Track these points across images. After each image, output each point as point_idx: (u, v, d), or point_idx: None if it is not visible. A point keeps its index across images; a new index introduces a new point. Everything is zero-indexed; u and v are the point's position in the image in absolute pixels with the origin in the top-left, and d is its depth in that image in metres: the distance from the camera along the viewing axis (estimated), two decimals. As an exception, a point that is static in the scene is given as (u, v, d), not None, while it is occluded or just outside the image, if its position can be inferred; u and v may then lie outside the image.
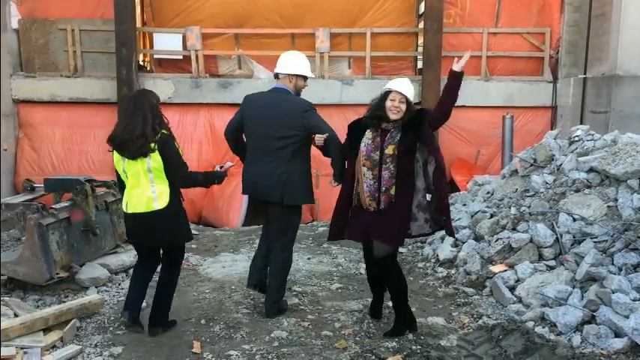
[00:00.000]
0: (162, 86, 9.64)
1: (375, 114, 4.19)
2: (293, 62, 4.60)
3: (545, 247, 5.16)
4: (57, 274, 4.97)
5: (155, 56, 10.74)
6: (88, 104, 10.04)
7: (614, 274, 4.44)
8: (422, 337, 4.29)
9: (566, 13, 9.81)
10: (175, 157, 4.07)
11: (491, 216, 6.08)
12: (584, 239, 4.97)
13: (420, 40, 10.35)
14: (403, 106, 4.11)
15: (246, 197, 9.15)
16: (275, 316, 4.66)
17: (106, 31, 9.90)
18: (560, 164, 6.05)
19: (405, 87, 4.14)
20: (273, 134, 4.48)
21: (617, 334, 4.06)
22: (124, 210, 4.19)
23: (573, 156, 5.98)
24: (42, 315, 4.26)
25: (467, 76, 9.91)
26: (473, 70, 10.16)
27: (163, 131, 4.05)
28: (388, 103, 4.12)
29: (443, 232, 6.36)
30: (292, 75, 4.59)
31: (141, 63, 10.70)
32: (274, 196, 4.53)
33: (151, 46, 10.80)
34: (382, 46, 10.25)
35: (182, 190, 4.24)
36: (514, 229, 5.60)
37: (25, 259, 4.86)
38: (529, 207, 5.75)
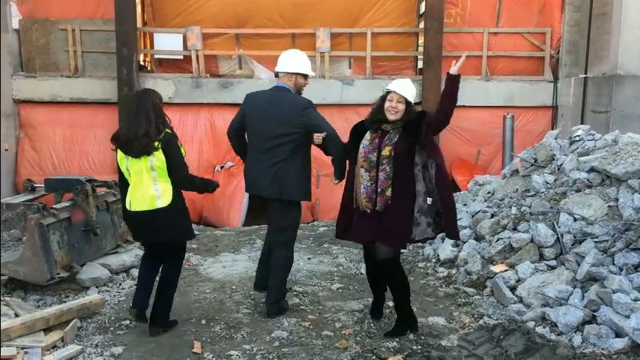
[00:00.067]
0: (162, 86, 9.64)
1: (377, 117, 4.20)
2: (293, 61, 4.62)
3: (546, 247, 5.16)
4: (58, 274, 4.97)
5: (156, 56, 10.74)
6: (89, 104, 10.04)
7: (615, 274, 4.44)
8: (423, 337, 4.29)
9: (567, 13, 9.80)
10: (177, 157, 4.11)
11: (492, 216, 6.08)
12: (585, 239, 4.97)
13: (421, 40, 10.34)
14: (401, 106, 4.11)
15: (246, 197, 9.17)
16: (276, 316, 4.67)
17: (107, 31, 9.89)
18: (561, 164, 6.04)
19: (403, 87, 4.13)
20: (273, 132, 4.50)
21: (618, 334, 4.06)
22: (127, 208, 4.21)
23: (574, 156, 5.97)
24: (43, 315, 4.26)
25: (467, 75, 10.05)
26: (473, 70, 10.15)
27: (167, 130, 4.10)
28: (386, 104, 4.13)
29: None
30: (292, 73, 4.60)
31: (141, 63, 10.69)
32: (271, 192, 4.56)
33: (152, 46, 10.79)
34: (383, 46, 10.24)
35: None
36: (515, 229, 5.60)
37: (25, 259, 4.86)
38: (530, 207, 5.75)
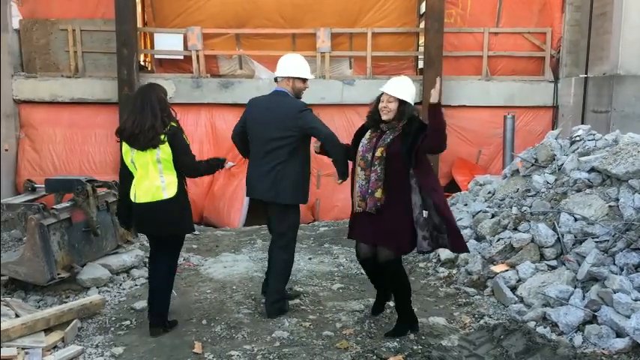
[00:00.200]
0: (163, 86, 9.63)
1: (373, 117, 4.22)
2: (290, 65, 4.65)
3: (547, 247, 5.16)
4: (58, 274, 4.97)
5: (156, 56, 10.75)
6: (89, 104, 10.04)
7: (616, 274, 4.44)
8: (423, 337, 4.29)
9: (567, 13, 9.80)
10: (184, 148, 4.20)
11: (493, 216, 6.08)
12: (586, 239, 4.96)
13: (421, 40, 10.34)
14: (392, 105, 4.10)
15: (247, 197, 9.16)
16: (276, 317, 4.67)
17: (107, 32, 9.90)
18: (562, 164, 6.04)
19: (394, 87, 4.11)
20: (271, 135, 4.55)
21: (619, 334, 4.06)
22: (132, 200, 4.24)
23: (574, 156, 5.97)
24: (43, 315, 4.26)
25: (468, 75, 10.05)
26: (474, 70, 10.16)
27: (172, 124, 4.17)
28: (380, 105, 4.15)
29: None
30: (290, 77, 4.64)
31: (142, 63, 10.70)
32: (268, 195, 4.60)
33: (152, 47, 10.80)
34: (383, 46, 10.24)
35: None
36: (515, 229, 5.59)
37: (26, 259, 4.86)
38: (530, 207, 5.75)
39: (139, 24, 10.33)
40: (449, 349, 4.12)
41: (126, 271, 5.72)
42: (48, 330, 4.23)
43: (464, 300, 5.09)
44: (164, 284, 4.43)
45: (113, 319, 4.67)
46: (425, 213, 4.05)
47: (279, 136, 4.51)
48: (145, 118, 4.06)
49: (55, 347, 4.11)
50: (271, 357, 4.02)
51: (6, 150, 9.67)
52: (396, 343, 4.17)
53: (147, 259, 5.97)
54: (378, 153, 4.08)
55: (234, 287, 5.49)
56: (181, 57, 10.34)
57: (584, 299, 4.43)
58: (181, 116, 9.97)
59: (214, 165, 4.59)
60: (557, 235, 5.18)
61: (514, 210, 5.85)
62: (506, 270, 5.21)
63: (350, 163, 4.45)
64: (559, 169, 6.05)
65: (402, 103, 4.10)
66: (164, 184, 4.16)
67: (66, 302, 4.86)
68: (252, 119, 4.70)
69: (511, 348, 4.00)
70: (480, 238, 5.93)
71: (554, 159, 6.27)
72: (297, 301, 5.05)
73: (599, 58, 8.86)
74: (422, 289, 5.45)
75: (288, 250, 4.75)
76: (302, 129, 4.49)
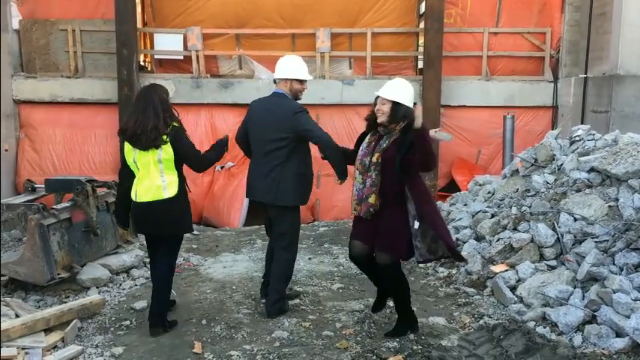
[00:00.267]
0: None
1: (370, 120, 4.23)
2: (287, 67, 4.68)
3: (546, 247, 5.16)
4: (58, 274, 4.97)
5: (156, 56, 10.74)
6: (89, 105, 10.04)
7: (615, 274, 4.44)
8: (423, 337, 4.29)
9: (567, 13, 9.80)
10: (189, 146, 4.28)
11: (492, 216, 6.08)
12: (585, 239, 4.97)
13: (421, 40, 10.34)
14: (385, 107, 4.08)
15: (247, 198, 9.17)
16: (276, 317, 4.67)
17: (107, 32, 9.90)
18: (561, 164, 6.05)
19: (387, 88, 4.09)
20: (269, 137, 4.58)
21: (619, 334, 4.06)
22: (133, 199, 4.28)
23: (574, 156, 5.97)
24: (43, 315, 4.27)
25: (467, 75, 10.05)
26: (474, 70, 10.16)
27: (174, 124, 4.21)
28: (375, 108, 4.16)
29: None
30: (287, 79, 4.66)
31: (141, 63, 10.69)
32: (267, 197, 4.63)
33: (152, 47, 10.79)
34: (383, 46, 10.24)
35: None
36: (515, 229, 5.60)
37: (26, 259, 4.87)
38: (530, 207, 5.75)
39: (139, 24, 10.33)
40: (448, 349, 4.12)
41: (126, 271, 5.72)
42: (48, 330, 4.23)
43: (463, 300, 5.09)
44: (164, 284, 4.44)
45: (113, 319, 4.67)
46: (416, 224, 4.03)
47: (276, 137, 4.53)
48: (148, 119, 4.09)
49: (55, 347, 4.12)
50: (271, 357, 4.02)
51: (6, 150, 9.67)
52: (395, 343, 4.18)
53: (147, 259, 5.99)
54: (374, 158, 4.08)
55: (234, 287, 5.49)
56: (181, 57, 10.33)
57: (583, 299, 4.44)
58: (181, 116, 9.84)
59: (219, 149, 4.59)
60: (557, 235, 5.19)
61: (514, 210, 5.85)
62: (506, 270, 5.21)
63: (351, 167, 4.45)
64: (559, 169, 6.05)
65: (395, 104, 4.07)
66: (165, 183, 4.19)
67: (66, 302, 4.86)
68: (251, 121, 4.75)
69: (511, 348, 4.00)
70: (479, 238, 5.94)
71: (553, 159, 6.27)
72: (296, 301, 5.06)
73: (599, 58, 8.86)
74: (422, 289, 5.45)
75: (290, 251, 4.75)
76: (296, 131, 4.51)
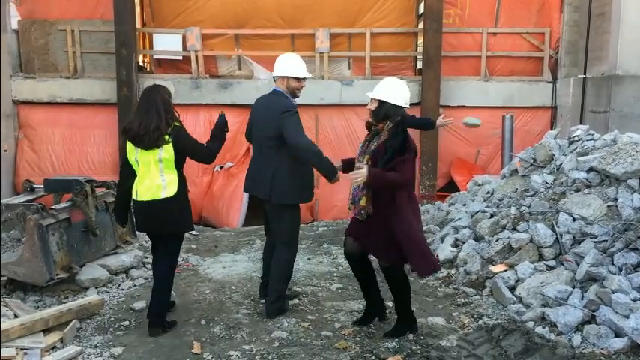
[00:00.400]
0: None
1: (367, 120, 4.25)
2: (284, 64, 4.70)
3: (545, 247, 5.16)
4: (57, 274, 4.97)
5: (155, 57, 10.74)
6: (88, 105, 10.04)
7: (614, 274, 4.44)
8: (422, 337, 4.29)
9: (566, 13, 9.81)
10: (191, 142, 4.37)
11: (491, 216, 6.08)
12: (584, 239, 4.97)
13: (420, 41, 10.35)
14: (372, 106, 4.10)
15: (245, 197, 9.18)
16: (275, 317, 4.67)
17: (106, 32, 9.90)
18: (560, 164, 6.05)
19: (375, 88, 4.08)
20: (265, 134, 4.64)
21: (618, 333, 4.07)
22: (134, 198, 4.35)
23: (573, 156, 5.98)
24: (42, 316, 4.26)
25: (467, 76, 10.05)
26: (473, 71, 10.17)
27: (175, 123, 4.28)
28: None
29: (444, 232, 6.44)
30: (284, 77, 4.69)
31: (141, 64, 10.69)
32: (264, 193, 4.66)
33: (151, 47, 10.79)
34: (382, 47, 10.25)
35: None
36: (514, 229, 5.60)
37: (25, 259, 4.86)
38: (529, 207, 5.75)
39: (138, 24, 10.33)
40: (448, 349, 4.12)
41: (125, 271, 5.72)
42: (47, 330, 4.23)
43: (463, 300, 5.10)
44: (164, 284, 4.45)
45: (112, 319, 4.67)
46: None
47: (271, 134, 4.57)
48: (151, 119, 4.16)
49: (54, 347, 4.11)
50: (270, 357, 4.02)
51: (5, 151, 9.67)
52: (394, 343, 4.18)
53: (146, 260, 5.99)
54: (364, 160, 4.09)
55: (233, 287, 5.49)
56: (180, 57, 10.34)
57: (582, 299, 4.44)
58: (180, 117, 9.99)
59: (219, 133, 4.59)
60: (556, 235, 5.19)
61: (513, 210, 5.85)
62: (505, 270, 5.21)
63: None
64: (557, 169, 6.05)
65: (380, 103, 4.06)
66: (164, 183, 4.24)
67: (65, 302, 4.85)
68: (253, 118, 4.84)
69: (510, 348, 4.00)
70: (478, 238, 5.94)
71: (552, 159, 6.27)
72: (295, 301, 5.06)
73: (598, 59, 8.87)
74: (421, 289, 5.45)
75: (289, 250, 4.75)
76: (281, 130, 4.53)
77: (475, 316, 4.74)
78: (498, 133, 9.72)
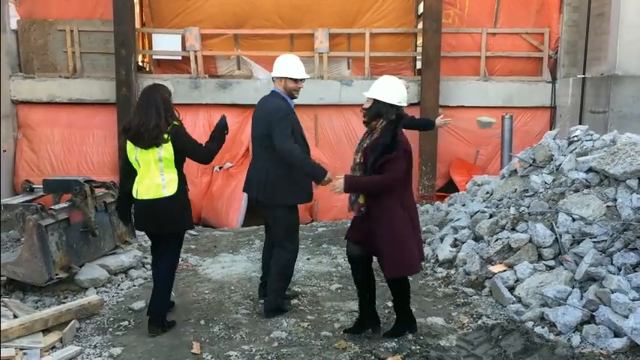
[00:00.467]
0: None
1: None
2: (281, 65, 4.73)
3: (545, 247, 5.16)
4: (56, 274, 4.97)
5: (154, 57, 10.73)
6: (87, 105, 10.03)
7: (614, 274, 4.44)
8: (421, 337, 4.29)
9: (565, 13, 9.81)
10: (190, 142, 4.38)
11: (491, 216, 6.08)
12: (584, 239, 4.97)
13: (419, 41, 10.35)
14: (366, 105, 4.10)
15: (245, 197, 9.17)
16: (273, 316, 4.68)
17: (105, 32, 9.88)
18: (560, 164, 6.05)
19: (371, 88, 4.07)
20: (259, 135, 4.69)
21: (617, 333, 4.07)
22: (134, 197, 4.36)
23: (572, 156, 5.98)
24: (41, 316, 4.26)
25: (466, 76, 10.06)
26: (472, 71, 10.17)
27: (174, 122, 4.30)
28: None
29: (443, 232, 6.44)
30: (281, 78, 4.70)
31: (140, 64, 10.69)
32: (258, 193, 4.71)
33: (150, 47, 10.79)
34: (381, 47, 10.25)
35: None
36: (513, 229, 5.60)
37: (24, 260, 4.86)
38: (528, 207, 5.75)
39: (137, 24, 10.32)
40: (447, 349, 4.13)
41: (124, 271, 5.72)
42: (46, 330, 4.23)
43: (462, 300, 5.10)
44: (164, 284, 4.47)
45: (111, 319, 4.67)
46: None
47: (263, 135, 4.61)
48: (150, 117, 4.19)
49: (53, 348, 4.11)
50: (269, 357, 4.02)
51: (4, 151, 9.65)
52: (394, 344, 4.18)
53: (145, 260, 5.99)
54: (357, 158, 4.10)
55: (233, 288, 5.49)
56: (179, 57, 10.33)
57: (582, 299, 4.44)
58: (180, 117, 10.00)
59: (219, 135, 4.59)
60: (555, 235, 5.19)
61: (512, 210, 5.85)
62: (504, 270, 5.21)
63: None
64: (557, 170, 6.06)
65: (374, 101, 4.05)
66: (164, 182, 4.26)
67: (64, 303, 4.85)
68: (252, 119, 4.89)
69: (509, 348, 4.00)
70: (478, 239, 5.94)
71: (552, 159, 6.28)
72: (295, 301, 5.06)
73: (597, 59, 8.87)
74: (420, 289, 5.45)
75: (286, 250, 4.74)
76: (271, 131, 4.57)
77: (474, 316, 4.74)
78: (498, 133, 9.72)
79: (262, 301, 4.88)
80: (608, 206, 5.17)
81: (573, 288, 4.60)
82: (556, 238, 5.18)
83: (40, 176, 8.65)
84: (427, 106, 9.53)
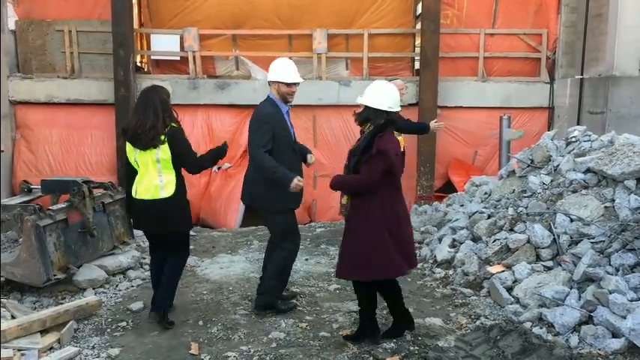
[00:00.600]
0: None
1: None
2: (274, 69, 4.75)
3: (543, 248, 5.17)
4: (54, 275, 4.96)
5: (152, 57, 10.71)
6: (85, 105, 10.01)
7: (612, 274, 4.45)
8: (420, 338, 4.29)
9: (563, 14, 9.82)
10: (185, 146, 4.36)
11: (489, 217, 6.09)
12: (582, 240, 4.98)
13: (418, 41, 10.35)
14: (358, 109, 4.11)
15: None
16: (261, 310, 4.75)
17: (104, 32, 9.86)
18: (558, 165, 6.06)
19: (364, 95, 4.06)
20: (248, 141, 4.76)
21: (615, 334, 4.07)
22: (133, 197, 4.40)
23: (570, 157, 5.99)
24: (39, 317, 4.26)
25: (464, 76, 10.07)
26: (470, 71, 10.17)
27: (173, 124, 4.31)
28: None
29: (442, 233, 6.45)
30: (274, 82, 4.72)
31: (138, 64, 10.68)
32: (245, 199, 4.84)
33: (149, 47, 10.77)
34: (379, 47, 10.25)
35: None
36: (511, 229, 5.60)
37: (22, 260, 4.85)
38: (526, 208, 5.76)
39: (136, 25, 10.31)
40: (445, 349, 4.13)
41: (122, 272, 5.71)
42: (44, 331, 4.23)
43: (460, 301, 5.10)
44: (173, 283, 4.58)
45: (109, 320, 4.67)
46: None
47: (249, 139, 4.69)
48: (147, 118, 4.20)
49: (51, 348, 4.11)
50: (268, 358, 4.02)
51: (3, 151, 9.64)
52: (392, 344, 4.18)
53: (143, 261, 5.99)
54: (346, 160, 4.13)
55: (231, 288, 5.49)
56: (178, 58, 10.31)
57: (580, 300, 4.44)
58: (178, 117, 9.99)
59: (215, 154, 4.64)
60: (553, 235, 5.20)
61: (510, 211, 5.86)
62: (503, 271, 5.21)
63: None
64: (555, 170, 6.07)
65: (366, 107, 4.04)
66: (162, 183, 4.29)
67: (62, 303, 4.85)
68: None
69: (507, 349, 4.01)
70: (476, 239, 5.94)
71: (550, 160, 6.28)
72: (293, 301, 5.05)
73: (595, 59, 8.88)
74: (418, 289, 5.45)
75: (283, 251, 4.77)
76: None
77: (473, 316, 4.74)
78: (496, 133, 9.72)
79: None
80: (606, 207, 5.18)
81: (571, 289, 4.60)
82: (554, 238, 5.18)
83: (38, 177, 8.63)
84: (425, 106, 9.53)
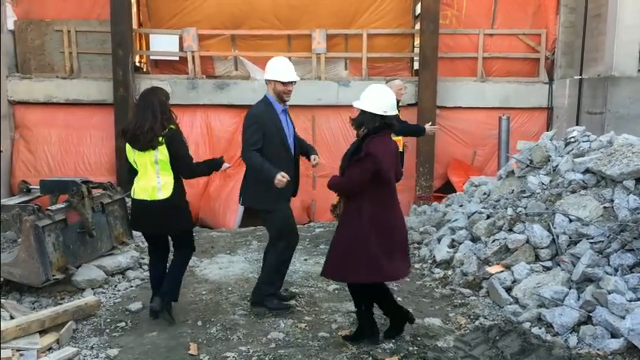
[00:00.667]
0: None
1: None
2: (270, 68, 4.75)
3: (542, 248, 5.17)
4: (53, 275, 4.96)
5: (151, 57, 10.72)
6: (84, 105, 10.02)
7: (610, 274, 4.45)
8: (419, 338, 4.29)
9: (562, 14, 9.83)
10: (182, 149, 4.37)
11: (488, 217, 6.09)
12: (581, 240, 4.98)
13: (417, 42, 10.36)
14: (354, 113, 4.13)
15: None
16: (254, 306, 4.80)
17: (102, 32, 9.87)
18: (556, 165, 6.06)
19: (360, 99, 4.05)
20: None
21: (614, 334, 4.07)
22: (132, 196, 4.45)
23: (569, 157, 5.99)
24: (38, 317, 4.26)
25: (463, 77, 10.07)
26: (469, 72, 10.18)
27: (171, 126, 4.33)
28: None
29: (441, 233, 6.44)
30: (270, 81, 4.73)
31: (137, 64, 10.67)
32: (240, 198, 4.88)
33: (148, 48, 10.77)
34: (379, 47, 10.26)
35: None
36: (510, 229, 5.60)
37: (21, 260, 4.85)
38: (525, 208, 5.76)
39: (135, 25, 10.31)
40: (444, 350, 4.13)
41: (121, 272, 5.71)
42: (43, 332, 4.22)
43: (459, 301, 5.10)
44: (178, 279, 4.64)
45: (108, 320, 4.66)
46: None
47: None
48: (146, 120, 4.22)
49: (49, 349, 4.10)
50: (267, 358, 4.02)
51: (2, 151, 9.63)
52: (391, 345, 4.18)
53: (142, 261, 5.99)
54: (342, 164, 4.15)
55: (230, 288, 5.48)
56: (177, 58, 10.32)
57: (579, 300, 4.45)
58: (177, 118, 9.97)
59: (211, 166, 4.74)
60: (552, 236, 5.20)
61: (509, 211, 5.86)
62: (502, 271, 5.22)
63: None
64: (554, 171, 6.07)
65: (361, 111, 4.04)
66: (160, 184, 4.31)
67: (61, 304, 4.84)
68: None
69: (506, 349, 4.01)
70: (475, 239, 5.94)
71: (549, 160, 6.29)
72: (292, 302, 5.05)
73: (594, 60, 8.89)
74: (417, 290, 5.45)
75: (277, 250, 4.77)
76: None
77: (472, 317, 4.74)
78: (495, 134, 9.73)
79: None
80: (605, 207, 5.18)
81: (570, 289, 4.61)
82: (553, 239, 5.18)
83: (37, 177, 8.63)
84: (424, 106, 9.54)
